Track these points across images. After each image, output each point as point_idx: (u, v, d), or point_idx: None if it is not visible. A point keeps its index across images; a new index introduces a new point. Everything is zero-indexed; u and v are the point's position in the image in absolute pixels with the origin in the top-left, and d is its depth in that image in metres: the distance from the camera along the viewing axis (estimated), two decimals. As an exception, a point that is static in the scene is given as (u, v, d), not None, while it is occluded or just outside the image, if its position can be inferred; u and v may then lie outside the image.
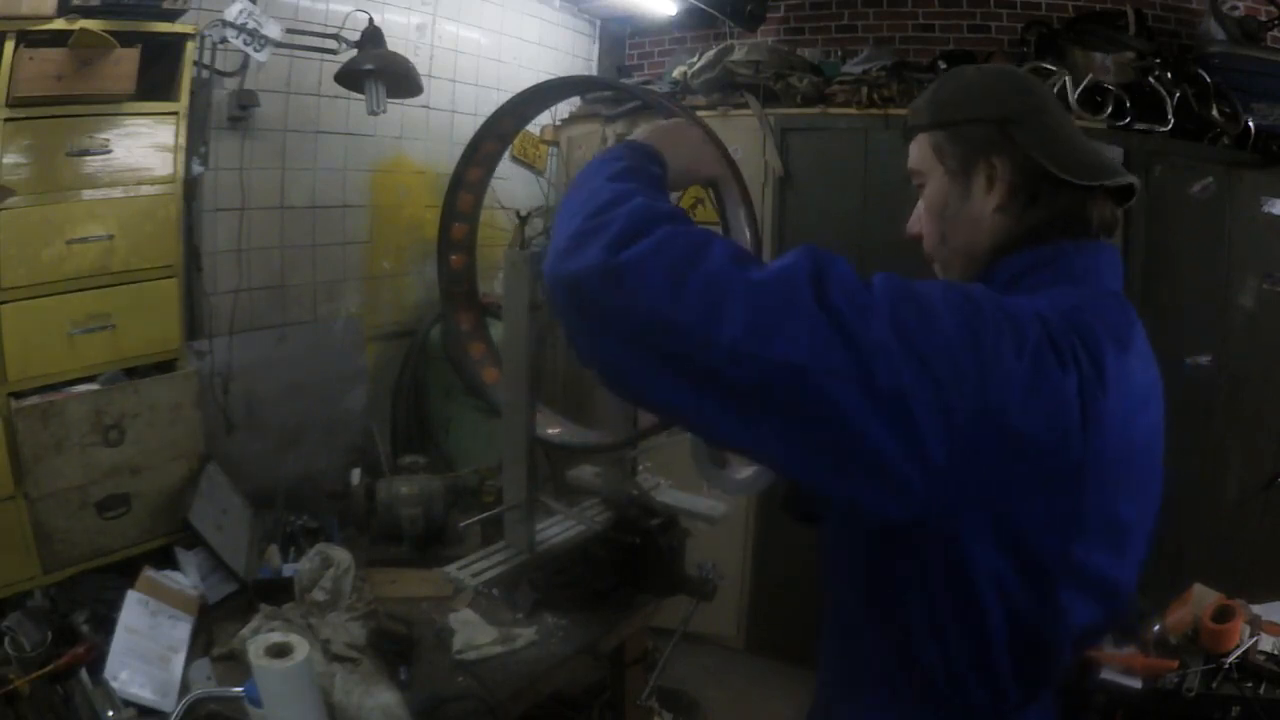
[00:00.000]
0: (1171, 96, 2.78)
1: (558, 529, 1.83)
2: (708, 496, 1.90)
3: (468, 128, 2.12)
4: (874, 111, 3.00)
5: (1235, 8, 3.07)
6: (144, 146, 2.06)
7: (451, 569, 1.66)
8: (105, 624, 1.70)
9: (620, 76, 3.96)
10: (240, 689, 1.44)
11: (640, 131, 1.06)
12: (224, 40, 2.17)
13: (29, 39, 1.84)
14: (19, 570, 1.87)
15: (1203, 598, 1.80)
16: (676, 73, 3.49)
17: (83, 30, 1.86)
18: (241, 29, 2.15)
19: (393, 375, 3.13)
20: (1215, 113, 2.82)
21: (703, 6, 3.27)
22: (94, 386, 1.99)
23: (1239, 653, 1.67)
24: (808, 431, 0.73)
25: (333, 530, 2.26)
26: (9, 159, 1.84)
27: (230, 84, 2.46)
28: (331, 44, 2.46)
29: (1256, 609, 1.78)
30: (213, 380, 2.40)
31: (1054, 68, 2.85)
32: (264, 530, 2.20)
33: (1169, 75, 2.86)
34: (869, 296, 0.74)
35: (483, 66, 3.36)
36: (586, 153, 3.56)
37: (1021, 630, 0.83)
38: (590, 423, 1.94)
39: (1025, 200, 0.93)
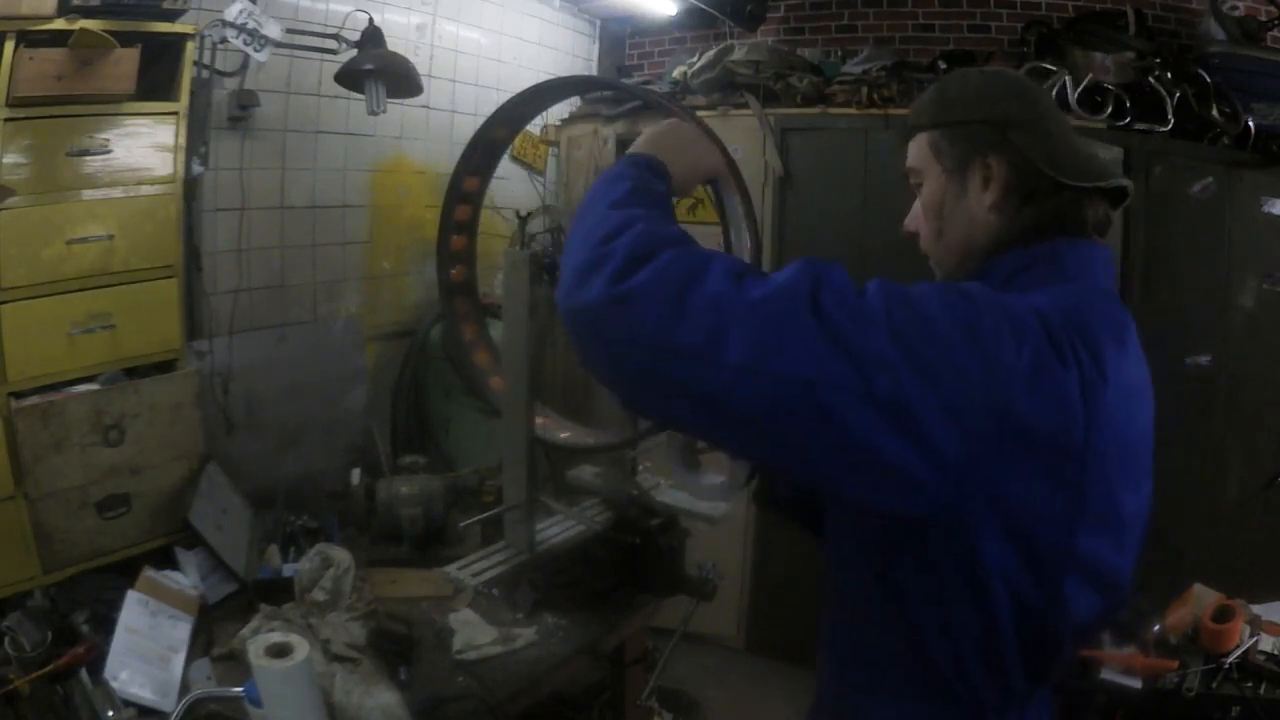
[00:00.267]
0: (1171, 96, 2.78)
1: (558, 529, 1.83)
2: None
3: (468, 128, 2.12)
4: (874, 111, 3.00)
5: (1235, 8, 3.07)
6: (144, 146, 2.06)
7: (451, 569, 1.67)
8: (105, 624, 1.70)
9: (620, 76, 3.96)
10: (240, 689, 1.44)
11: (639, 141, 1.07)
12: (224, 40, 2.17)
13: (29, 39, 1.85)
14: (19, 570, 1.87)
15: (1203, 598, 1.80)
16: (676, 73, 3.49)
17: (83, 30, 1.86)
18: (241, 29, 2.15)
19: (393, 375, 3.13)
20: (1215, 113, 2.81)
21: (703, 6, 3.27)
22: (94, 386, 1.99)
23: (1239, 653, 1.68)
24: (818, 442, 0.76)
25: (333, 530, 2.25)
26: (9, 159, 1.84)
27: (230, 84, 2.46)
28: (331, 44, 2.45)
29: (1256, 609, 1.79)
30: (213, 380, 2.40)
31: (1054, 68, 2.85)
32: (264, 530, 2.20)
33: (1169, 75, 2.86)
34: (865, 305, 0.76)
35: (483, 66, 3.36)
36: (586, 153, 3.56)
37: (1029, 622, 0.85)
38: (590, 423, 1.94)
39: (1020, 199, 0.95)
